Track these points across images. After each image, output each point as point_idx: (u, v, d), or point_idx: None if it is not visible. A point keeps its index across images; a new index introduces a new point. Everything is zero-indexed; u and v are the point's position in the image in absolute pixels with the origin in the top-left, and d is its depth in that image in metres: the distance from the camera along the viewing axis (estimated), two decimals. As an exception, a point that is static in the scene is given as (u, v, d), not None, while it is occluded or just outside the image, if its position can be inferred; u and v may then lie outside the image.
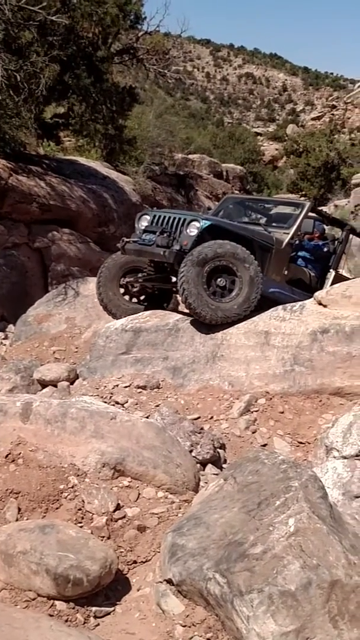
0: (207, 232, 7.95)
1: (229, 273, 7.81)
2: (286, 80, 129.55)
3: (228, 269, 7.78)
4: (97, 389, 7.48)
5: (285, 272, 8.85)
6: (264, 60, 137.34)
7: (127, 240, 8.59)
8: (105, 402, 6.44)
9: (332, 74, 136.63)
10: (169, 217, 8.42)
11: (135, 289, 9.11)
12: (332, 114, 76.97)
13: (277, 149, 69.70)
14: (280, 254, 8.69)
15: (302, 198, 36.29)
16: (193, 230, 7.97)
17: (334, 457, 5.24)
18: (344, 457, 5.17)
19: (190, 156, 31.81)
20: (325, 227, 10.28)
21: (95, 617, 3.32)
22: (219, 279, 7.79)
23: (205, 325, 7.91)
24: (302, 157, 47.06)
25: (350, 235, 9.90)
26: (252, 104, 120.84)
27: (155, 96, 33.51)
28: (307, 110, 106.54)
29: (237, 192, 32.57)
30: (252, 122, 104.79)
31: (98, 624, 3.28)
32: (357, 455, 5.15)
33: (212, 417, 6.99)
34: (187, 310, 8.01)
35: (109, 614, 3.35)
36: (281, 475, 3.46)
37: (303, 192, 43.43)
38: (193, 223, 8.05)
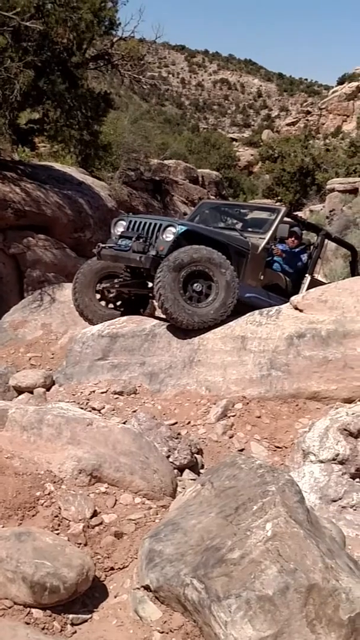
0: (183, 238, 7.96)
1: (205, 278, 7.82)
2: (261, 86, 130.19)
3: (204, 274, 7.79)
4: (74, 395, 7.45)
5: (261, 277, 8.88)
6: (239, 66, 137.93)
7: (103, 245, 8.57)
8: (82, 408, 6.41)
9: (306, 79, 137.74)
10: (145, 223, 8.42)
11: (111, 295, 9.09)
12: (307, 120, 77.59)
13: (252, 155, 70.06)
14: (256, 259, 8.72)
15: (278, 203, 36.46)
16: (169, 235, 7.97)
17: (311, 462, 5.25)
18: (321, 461, 5.18)
19: (165, 162, 31.82)
20: (301, 232, 10.32)
21: (72, 624, 3.30)
22: (195, 284, 7.80)
23: (182, 331, 7.91)
24: (278, 162, 47.43)
25: (326, 240, 9.95)
26: (227, 110, 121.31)
27: (130, 102, 33.57)
28: (282, 115, 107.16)
29: (212, 197, 32.63)
30: (227, 128, 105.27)
31: (75, 632, 3.26)
32: (333, 459, 5.17)
33: (189, 423, 6.98)
34: (163, 316, 8.01)
35: (86, 621, 3.32)
36: (258, 479, 3.45)
37: (279, 198, 43.74)
38: (169, 228, 8.04)
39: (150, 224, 8.36)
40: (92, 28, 15.68)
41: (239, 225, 9.69)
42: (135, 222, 8.55)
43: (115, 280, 8.87)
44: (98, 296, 9.03)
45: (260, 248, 8.75)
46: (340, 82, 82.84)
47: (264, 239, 8.86)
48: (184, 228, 8.05)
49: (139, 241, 8.10)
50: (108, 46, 18.42)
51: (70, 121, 15.85)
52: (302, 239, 10.24)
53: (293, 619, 2.73)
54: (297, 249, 9.92)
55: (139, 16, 26.86)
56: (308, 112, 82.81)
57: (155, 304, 8.15)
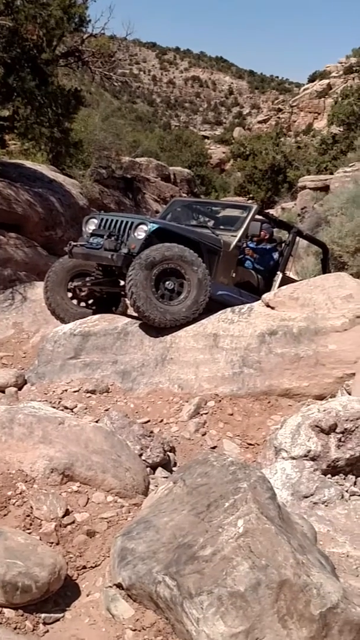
0: (155, 235, 7.96)
1: (177, 276, 7.83)
2: (232, 83, 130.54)
3: (176, 272, 7.79)
4: (46, 394, 7.42)
5: (233, 275, 8.91)
6: (210, 63, 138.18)
7: (75, 244, 8.54)
8: (54, 407, 6.38)
9: (277, 77, 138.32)
10: (117, 221, 8.40)
11: (83, 293, 9.05)
12: (278, 117, 77.95)
13: (224, 152, 70.26)
14: (227, 256, 8.75)
15: (250, 201, 36.59)
16: (141, 233, 7.97)
17: (283, 458, 5.27)
18: (293, 458, 5.20)
19: (137, 159, 31.82)
20: (273, 229, 10.37)
21: (45, 623, 3.29)
22: (167, 282, 7.80)
23: (154, 329, 7.91)
24: (249, 160, 47.50)
25: (297, 238, 10.00)
26: (199, 107, 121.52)
27: (101, 99, 33.46)
28: (253, 113, 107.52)
29: (184, 195, 32.65)
30: (199, 125, 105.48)
31: (47, 631, 3.25)
32: (305, 456, 5.19)
33: (161, 421, 6.99)
34: (136, 314, 8.00)
35: (58, 620, 3.32)
36: (230, 477, 3.47)
37: (250, 195, 43.82)
38: (141, 226, 8.04)
39: (122, 221, 8.34)
40: (62, 25, 15.60)
41: (210, 223, 9.70)
42: (107, 220, 8.53)
43: (87, 279, 8.84)
44: (70, 295, 8.99)
45: (232, 246, 8.78)
46: (311, 79, 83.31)
47: (235, 236, 8.90)
48: (156, 226, 8.05)
49: (110, 239, 8.08)
50: (78, 43, 18.35)
51: (41, 118, 15.75)
52: (273, 236, 10.29)
53: (265, 615, 2.74)
54: (268, 247, 9.97)
55: (109, 13, 26.78)
56: (279, 110, 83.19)
57: (128, 302, 8.14)
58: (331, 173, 31.21)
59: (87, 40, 18.58)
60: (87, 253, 8.30)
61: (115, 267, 8.17)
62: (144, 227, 7.99)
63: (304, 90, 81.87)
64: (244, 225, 9.03)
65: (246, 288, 9.20)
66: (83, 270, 8.91)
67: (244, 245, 9.27)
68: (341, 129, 37.52)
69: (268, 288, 9.17)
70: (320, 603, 2.81)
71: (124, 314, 9.21)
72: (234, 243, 8.83)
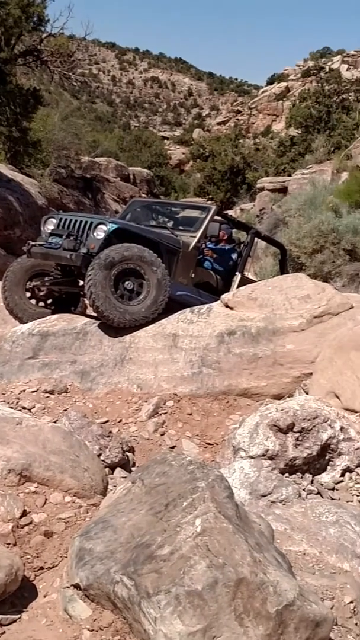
0: (114, 236, 7.95)
1: (137, 276, 7.82)
2: (191, 84, 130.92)
3: (135, 272, 7.79)
4: (3, 394, 7.35)
5: (192, 275, 8.94)
6: (169, 64, 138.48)
7: (33, 243, 8.49)
8: (12, 408, 6.33)
9: (236, 79, 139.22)
10: (76, 221, 8.37)
11: (42, 293, 8.99)
12: (237, 119, 78.31)
13: (183, 153, 70.46)
14: (187, 257, 8.77)
15: (209, 202, 36.71)
16: (100, 233, 7.95)
17: (241, 457, 5.30)
18: (251, 457, 5.23)
19: (97, 159, 31.76)
20: (231, 230, 10.43)
21: (1, 625, 3.25)
22: (126, 282, 7.79)
23: (114, 329, 7.90)
24: (209, 161, 47.78)
25: (255, 239, 10.07)
26: (159, 108, 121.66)
27: (60, 99, 33.35)
28: (212, 115, 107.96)
29: (144, 195, 32.66)
30: (158, 126, 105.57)
31: (4, 632, 3.22)
32: (263, 455, 5.22)
33: (120, 421, 6.97)
34: (95, 314, 7.98)
35: (15, 621, 3.28)
36: (188, 476, 3.47)
37: (210, 196, 44.03)
38: (100, 226, 8.02)
39: (81, 221, 8.32)
40: (20, 24, 15.56)
41: (170, 224, 9.71)
42: (66, 219, 8.49)
43: (46, 279, 8.79)
44: (28, 294, 8.93)
45: (191, 246, 8.81)
46: (270, 82, 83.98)
47: (194, 237, 8.93)
48: (115, 226, 8.04)
49: (69, 239, 8.05)
50: (37, 42, 18.31)
51: (-1, 117, 15.68)
52: (232, 237, 10.35)
53: (222, 613, 2.76)
54: (227, 247, 10.02)
55: (68, 12, 26.58)
56: (238, 112, 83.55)
57: (87, 302, 8.10)
58: (289, 175, 31.52)
59: (45, 39, 18.54)
60: (46, 253, 8.25)
61: (74, 267, 8.14)
62: (103, 227, 7.97)
63: (263, 92, 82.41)
64: (203, 226, 9.07)
65: (205, 288, 9.24)
66: (42, 270, 8.86)
67: (203, 245, 9.31)
68: (299, 132, 37.91)
69: (227, 289, 9.21)
70: (277, 601, 2.83)
71: (83, 314, 9.18)
72: (193, 244, 8.85)
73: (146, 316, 7.85)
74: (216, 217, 9.57)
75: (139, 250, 7.77)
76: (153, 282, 7.83)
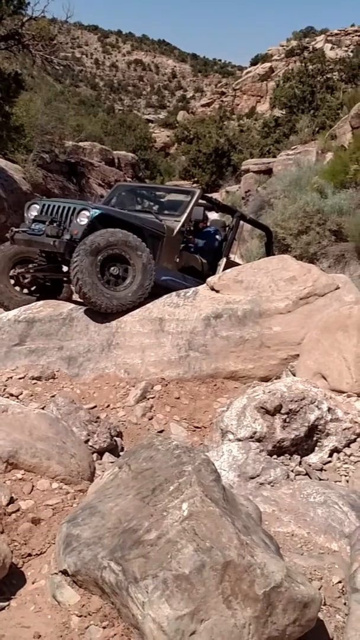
0: (98, 221, 7.91)
1: (122, 262, 7.80)
2: (175, 67, 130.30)
3: (121, 258, 7.76)
4: (-10, 382, 7.33)
5: (177, 260, 8.92)
6: (153, 46, 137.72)
7: (16, 230, 8.45)
8: (-1, 395, 6.33)
9: (220, 60, 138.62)
10: (59, 207, 8.34)
11: (26, 280, 8.96)
12: (222, 101, 78.05)
13: (168, 136, 70.23)
14: (171, 241, 8.76)
15: (195, 185, 36.64)
16: (83, 219, 7.92)
17: (229, 440, 5.31)
18: (239, 440, 5.25)
19: (81, 144, 31.58)
20: (208, 214, 10.42)
21: (-10, 612, 3.27)
22: (112, 268, 7.77)
23: (100, 314, 7.88)
24: (193, 143, 47.68)
25: (241, 222, 10.07)
26: (142, 91, 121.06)
27: (43, 83, 33.09)
28: (196, 97, 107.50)
29: (129, 179, 32.54)
30: (142, 109, 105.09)
31: (-7, 619, 3.23)
32: (251, 437, 5.24)
33: (108, 406, 6.97)
34: (80, 300, 7.96)
35: (3, 608, 3.28)
36: (175, 460, 3.47)
37: (195, 179, 43.94)
38: (83, 212, 7.98)
39: (64, 207, 8.28)
40: (0, 7, 15.38)
41: (154, 208, 9.71)
42: (49, 205, 8.46)
43: (30, 266, 8.75)
44: (13, 282, 8.90)
45: (175, 231, 8.79)
46: (254, 62, 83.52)
47: (179, 221, 8.91)
48: (98, 212, 8.01)
49: (52, 225, 8.02)
50: (18, 26, 18.14)
51: (-20, 103, 15.55)
52: (206, 220, 10.32)
53: (209, 597, 2.76)
54: (212, 230, 10.04)
55: (48, -5, 26.42)
56: (222, 93, 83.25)
57: (73, 288, 8.07)
58: (274, 156, 31.49)
59: (27, 23, 18.37)
60: (29, 239, 8.21)
61: (58, 253, 8.11)
62: (86, 213, 7.94)
63: (247, 73, 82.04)
64: (187, 210, 9.05)
65: (191, 273, 9.22)
66: (26, 257, 8.82)
67: (188, 229, 9.29)
68: (283, 112, 37.83)
69: (212, 272, 9.21)
70: (264, 582, 2.84)
71: (69, 300, 9.15)
72: (177, 228, 8.83)
73: (133, 301, 7.84)
74: (200, 201, 9.54)
75: (124, 235, 7.74)
76: (138, 266, 7.81)
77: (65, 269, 8.51)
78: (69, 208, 8.21)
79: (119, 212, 8.60)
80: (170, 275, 8.73)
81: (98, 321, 7.93)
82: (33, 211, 8.57)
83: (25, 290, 9.02)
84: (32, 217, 8.44)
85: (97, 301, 7.61)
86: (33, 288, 9.07)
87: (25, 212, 8.74)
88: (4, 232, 10.57)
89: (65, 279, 8.86)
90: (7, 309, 8.69)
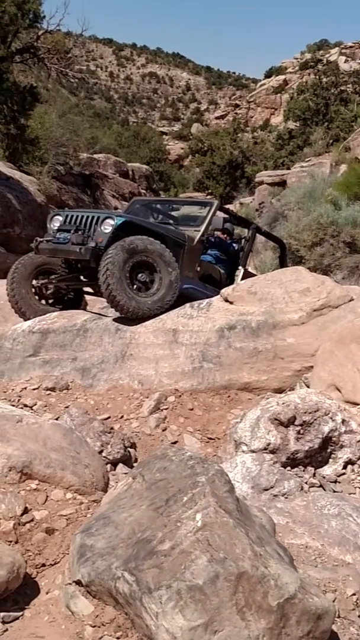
0: (122, 230, 7.97)
1: (150, 271, 7.87)
2: (189, 79, 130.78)
3: (150, 266, 7.83)
4: (5, 392, 7.35)
5: (198, 269, 9.03)
6: (167, 59, 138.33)
7: (41, 240, 8.50)
8: (14, 406, 6.33)
9: (234, 73, 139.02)
10: (82, 216, 8.42)
11: (49, 291, 8.94)
12: (236, 113, 78.16)
13: (182, 148, 70.42)
14: (192, 250, 8.85)
15: (209, 196, 36.69)
16: (107, 227, 7.99)
17: (243, 452, 5.30)
18: (253, 451, 5.23)
19: (95, 156, 31.72)
20: (234, 226, 10.54)
21: (4, 622, 3.26)
22: (140, 274, 7.83)
23: (114, 325, 7.90)
24: (207, 155, 47.70)
25: (256, 234, 10.15)
26: (157, 103, 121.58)
27: (58, 96, 33.30)
28: (211, 109, 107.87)
29: (143, 191, 32.66)
30: (157, 122, 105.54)
31: (6, 629, 3.22)
32: (265, 449, 5.22)
33: (122, 417, 6.97)
34: (95, 310, 7.99)
35: (17, 618, 3.29)
36: (188, 471, 3.47)
37: (209, 191, 44.00)
38: (107, 220, 8.06)
39: (87, 217, 8.36)
40: (16, 21, 15.54)
41: (172, 221, 9.80)
42: (72, 215, 8.56)
43: (52, 276, 8.78)
44: (34, 291, 8.89)
45: (196, 240, 8.91)
46: (268, 75, 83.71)
47: (199, 231, 9.00)
48: (122, 220, 8.09)
49: (77, 233, 8.09)
50: (34, 39, 18.28)
51: (-4, 115, 15.67)
52: (233, 234, 10.49)
53: (223, 607, 2.76)
54: (230, 241, 10.16)
55: (64, 9, 26.67)
56: (237, 106, 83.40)
57: (99, 279, 7.96)
58: (288, 168, 31.47)
59: (42, 36, 18.51)
60: (54, 248, 8.26)
61: (83, 260, 8.14)
62: (111, 222, 8.02)
63: (261, 86, 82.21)
64: (207, 220, 9.18)
65: (209, 282, 9.30)
66: (47, 268, 8.85)
67: (207, 239, 9.36)
68: (297, 125, 37.86)
69: (231, 282, 9.26)
70: (278, 594, 2.83)
71: (84, 309, 9.17)
72: (198, 237, 8.95)
73: (161, 306, 7.90)
74: (218, 213, 9.66)
75: (161, 248, 7.86)
76: (165, 281, 7.88)
77: (83, 279, 8.58)
78: (93, 217, 8.29)
79: (143, 220, 8.71)
80: (192, 284, 8.82)
81: (112, 332, 7.94)
82: (56, 222, 8.64)
83: (44, 301, 9.00)
84: (56, 228, 8.50)
85: (122, 301, 7.63)
86: (50, 300, 9.06)
87: (48, 223, 8.79)
88: (19, 243, 10.65)
89: (86, 288, 8.93)
90: (24, 316, 8.68)
